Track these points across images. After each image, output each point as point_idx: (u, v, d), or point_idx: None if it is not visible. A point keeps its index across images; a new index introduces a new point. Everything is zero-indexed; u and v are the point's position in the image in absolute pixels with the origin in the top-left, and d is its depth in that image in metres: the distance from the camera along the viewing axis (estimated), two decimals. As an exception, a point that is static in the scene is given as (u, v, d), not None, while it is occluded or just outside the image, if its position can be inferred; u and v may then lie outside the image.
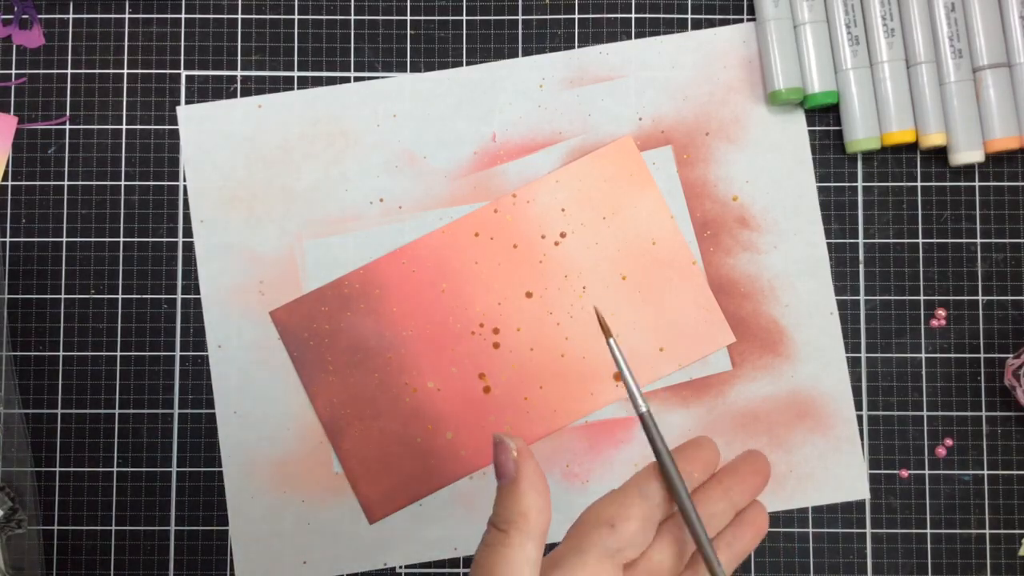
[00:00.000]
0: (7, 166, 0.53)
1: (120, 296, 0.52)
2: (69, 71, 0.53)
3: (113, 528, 0.52)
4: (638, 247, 0.52)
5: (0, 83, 0.53)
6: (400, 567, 0.51)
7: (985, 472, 0.52)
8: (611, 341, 0.36)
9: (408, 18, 0.53)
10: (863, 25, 0.51)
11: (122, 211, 0.53)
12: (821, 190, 0.53)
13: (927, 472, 0.52)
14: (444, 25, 0.53)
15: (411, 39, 0.53)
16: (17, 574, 0.50)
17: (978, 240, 0.52)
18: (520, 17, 0.53)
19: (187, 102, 0.53)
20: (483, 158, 0.52)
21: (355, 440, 0.51)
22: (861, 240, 0.53)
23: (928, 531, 0.51)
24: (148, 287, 0.52)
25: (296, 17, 0.53)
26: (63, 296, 0.52)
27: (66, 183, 0.53)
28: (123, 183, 0.53)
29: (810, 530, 0.51)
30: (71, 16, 0.53)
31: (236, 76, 0.53)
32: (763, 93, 0.53)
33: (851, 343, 0.52)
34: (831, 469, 0.51)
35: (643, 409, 0.35)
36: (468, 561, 0.52)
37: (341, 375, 0.51)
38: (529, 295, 0.52)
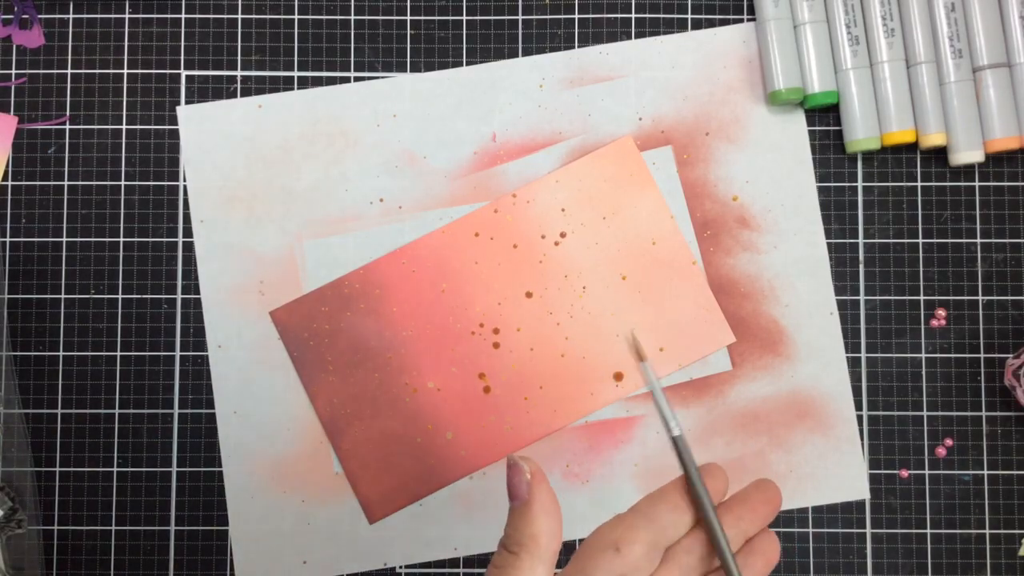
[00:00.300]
0: (7, 166, 0.53)
1: (120, 296, 0.52)
2: (69, 71, 0.53)
3: (113, 528, 0.52)
4: (638, 247, 0.52)
5: (0, 83, 0.53)
6: (400, 567, 0.51)
7: (985, 472, 0.52)
8: (645, 365, 0.36)
9: (408, 18, 0.53)
10: (863, 25, 0.51)
11: (122, 211, 0.53)
12: (821, 190, 0.53)
13: (927, 472, 0.52)
14: (444, 25, 0.53)
15: (411, 39, 0.53)
16: (17, 574, 0.50)
17: (978, 240, 0.52)
18: (520, 17, 0.53)
19: (187, 102, 0.53)
20: (483, 158, 0.52)
21: (355, 440, 0.51)
22: (861, 240, 0.53)
23: (928, 531, 0.51)
24: (148, 287, 0.52)
25: (296, 17, 0.53)
26: (63, 296, 0.52)
27: (66, 183, 0.53)
28: (123, 183, 0.53)
29: (810, 530, 0.51)
30: (71, 16, 0.53)
31: (236, 76, 0.53)
32: (763, 93, 0.53)
33: (851, 343, 0.52)
34: (831, 469, 0.51)
35: (676, 433, 0.35)
36: (468, 561, 0.52)
37: (341, 375, 0.51)
38: (529, 295, 0.52)
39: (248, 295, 0.52)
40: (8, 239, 0.52)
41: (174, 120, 0.53)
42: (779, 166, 0.53)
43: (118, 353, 0.52)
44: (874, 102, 0.51)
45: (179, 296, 0.52)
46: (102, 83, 0.53)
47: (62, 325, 0.52)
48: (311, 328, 0.52)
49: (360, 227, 0.52)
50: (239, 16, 0.53)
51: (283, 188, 0.52)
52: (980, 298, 0.52)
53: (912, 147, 0.53)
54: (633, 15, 0.53)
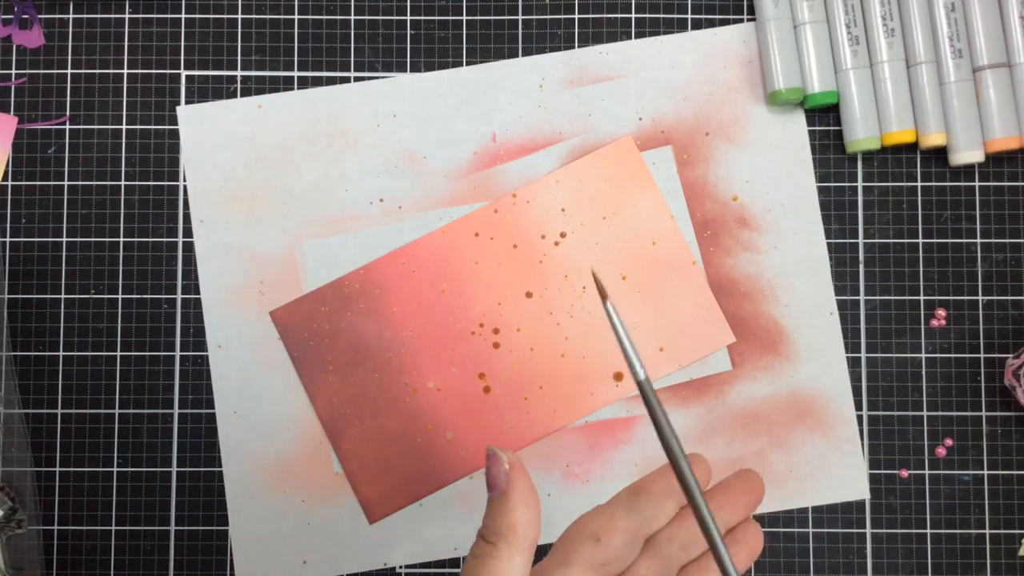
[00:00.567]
0: (7, 166, 0.53)
1: (120, 296, 0.52)
2: (69, 71, 0.53)
3: (113, 528, 0.52)
4: (638, 247, 0.52)
5: (0, 83, 0.53)
6: (400, 567, 0.51)
7: (985, 472, 0.52)
8: (608, 304, 0.32)
9: (408, 18, 0.53)
10: (863, 25, 0.51)
11: (122, 211, 0.53)
12: (821, 190, 0.53)
13: (927, 472, 0.52)
14: (444, 25, 0.53)
15: (411, 39, 0.53)
16: (17, 574, 0.50)
17: (978, 240, 0.52)
18: (520, 17, 0.53)
19: (187, 102, 0.53)
20: (483, 158, 0.52)
21: (355, 440, 0.51)
22: (861, 240, 0.53)
23: (928, 531, 0.51)
24: (148, 287, 0.52)
25: (296, 17, 0.53)
26: (63, 296, 0.52)
27: (66, 183, 0.53)
28: (123, 183, 0.53)
29: (810, 530, 0.51)
30: (71, 16, 0.53)
31: (236, 76, 0.53)
32: (763, 93, 0.53)
33: (851, 343, 0.52)
34: (831, 469, 0.51)
35: (641, 376, 0.32)
36: (468, 561, 0.52)
37: (341, 375, 0.51)
38: (529, 295, 0.52)
39: (248, 295, 0.52)
40: (8, 239, 0.52)
41: (174, 120, 0.53)
42: (779, 166, 0.53)
43: (118, 353, 0.52)
44: (874, 102, 0.51)
45: (179, 296, 0.52)
46: (102, 83, 0.53)
47: (62, 325, 0.52)
48: (311, 328, 0.52)
49: (360, 227, 0.52)
50: (239, 16, 0.53)
51: (283, 188, 0.52)
52: (980, 298, 0.52)
53: (912, 147, 0.53)
54: (633, 15, 0.53)
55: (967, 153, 0.51)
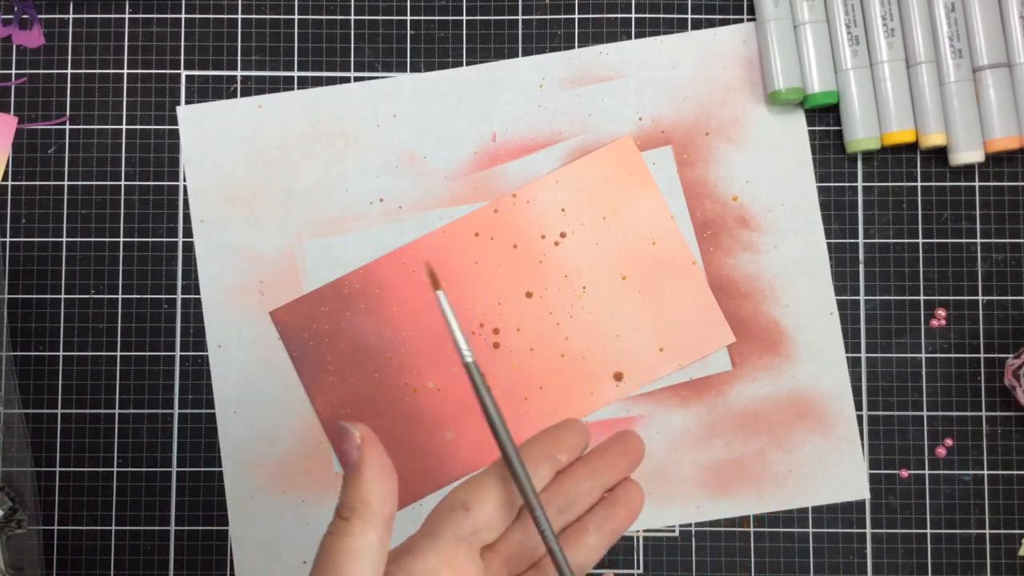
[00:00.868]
0: (7, 166, 0.53)
1: (120, 296, 0.52)
2: (69, 71, 0.53)
3: (113, 528, 0.52)
4: (638, 247, 0.52)
5: (0, 83, 0.53)
6: (400, 567, 0.51)
7: (985, 472, 0.52)
8: (440, 294, 0.34)
9: (408, 18, 0.53)
10: (863, 25, 0.51)
11: (122, 211, 0.53)
12: (821, 190, 0.53)
13: (927, 472, 0.52)
14: (444, 25, 0.53)
15: (411, 39, 0.53)
16: (17, 574, 0.50)
17: (978, 240, 0.52)
18: (520, 17, 0.53)
19: (187, 102, 0.53)
20: (483, 158, 0.52)
21: (355, 440, 0.51)
22: (861, 240, 0.53)
23: (928, 531, 0.51)
24: (148, 287, 0.52)
25: (296, 17, 0.53)
26: (63, 296, 0.52)
27: (66, 183, 0.53)
28: (123, 183, 0.53)
29: (810, 530, 0.51)
30: (71, 16, 0.53)
31: (236, 76, 0.53)
32: (763, 93, 0.53)
33: (851, 343, 0.52)
34: (831, 469, 0.51)
35: (468, 359, 0.34)
36: (468, 561, 0.51)
37: (341, 375, 0.51)
38: (529, 295, 0.52)
39: (248, 295, 0.52)
40: (8, 239, 0.52)
41: (174, 120, 0.53)
42: (779, 166, 0.53)
43: (118, 353, 0.52)
44: (874, 102, 0.51)
45: (179, 296, 0.52)
46: (102, 83, 0.53)
47: (62, 325, 0.52)
48: (311, 328, 0.52)
49: (360, 227, 0.52)
50: (239, 16, 0.53)
51: (283, 188, 0.52)
52: (980, 298, 0.52)
53: (912, 147, 0.53)
54: (633, 15, 0.53)
55: (967, 153, 0.51)
